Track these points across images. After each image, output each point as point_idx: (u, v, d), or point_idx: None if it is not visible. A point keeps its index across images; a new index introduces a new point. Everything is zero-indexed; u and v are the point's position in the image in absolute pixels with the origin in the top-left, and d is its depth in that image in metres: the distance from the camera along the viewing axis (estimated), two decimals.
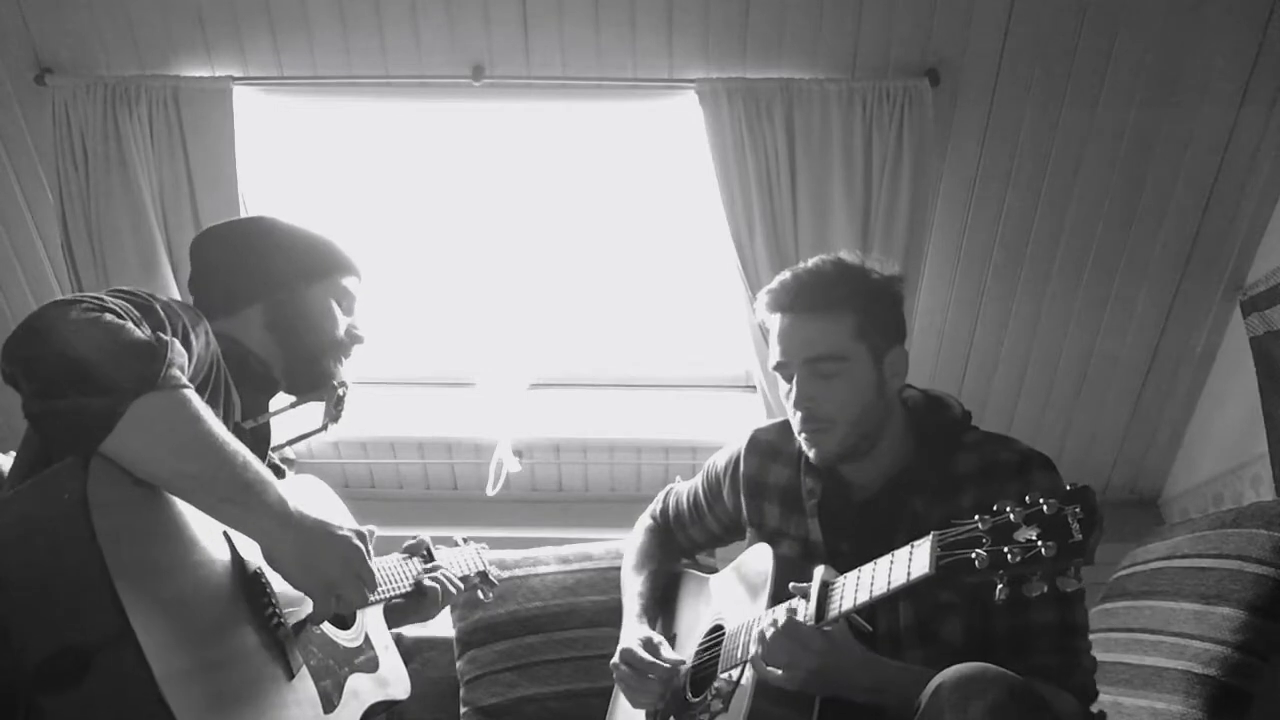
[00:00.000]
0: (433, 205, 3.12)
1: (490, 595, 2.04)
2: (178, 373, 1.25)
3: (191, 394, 1.26)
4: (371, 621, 1.66)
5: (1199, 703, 1.70)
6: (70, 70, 2.74)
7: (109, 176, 2.74)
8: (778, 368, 1.66)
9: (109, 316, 1.23)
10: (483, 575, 2.02)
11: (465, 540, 2.06)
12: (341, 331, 1.70)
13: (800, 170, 2.75)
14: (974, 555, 1.23)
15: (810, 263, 1.68)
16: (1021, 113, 2.74)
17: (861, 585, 1.40)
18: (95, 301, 1.25)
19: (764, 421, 1.89)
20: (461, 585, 1.86)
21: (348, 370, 1.74)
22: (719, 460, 1.92)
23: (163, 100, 2.72)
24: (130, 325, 1.24)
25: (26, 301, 3.04)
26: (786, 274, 1.67)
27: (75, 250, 2.79)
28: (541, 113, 2.92)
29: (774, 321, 1.66)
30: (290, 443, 1.83)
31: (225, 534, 1.33)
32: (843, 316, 1.60)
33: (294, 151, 3.02)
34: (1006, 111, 2.74)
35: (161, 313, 1.32)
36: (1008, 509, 1.24)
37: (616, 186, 3.08)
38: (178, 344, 1.28)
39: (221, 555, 1.31)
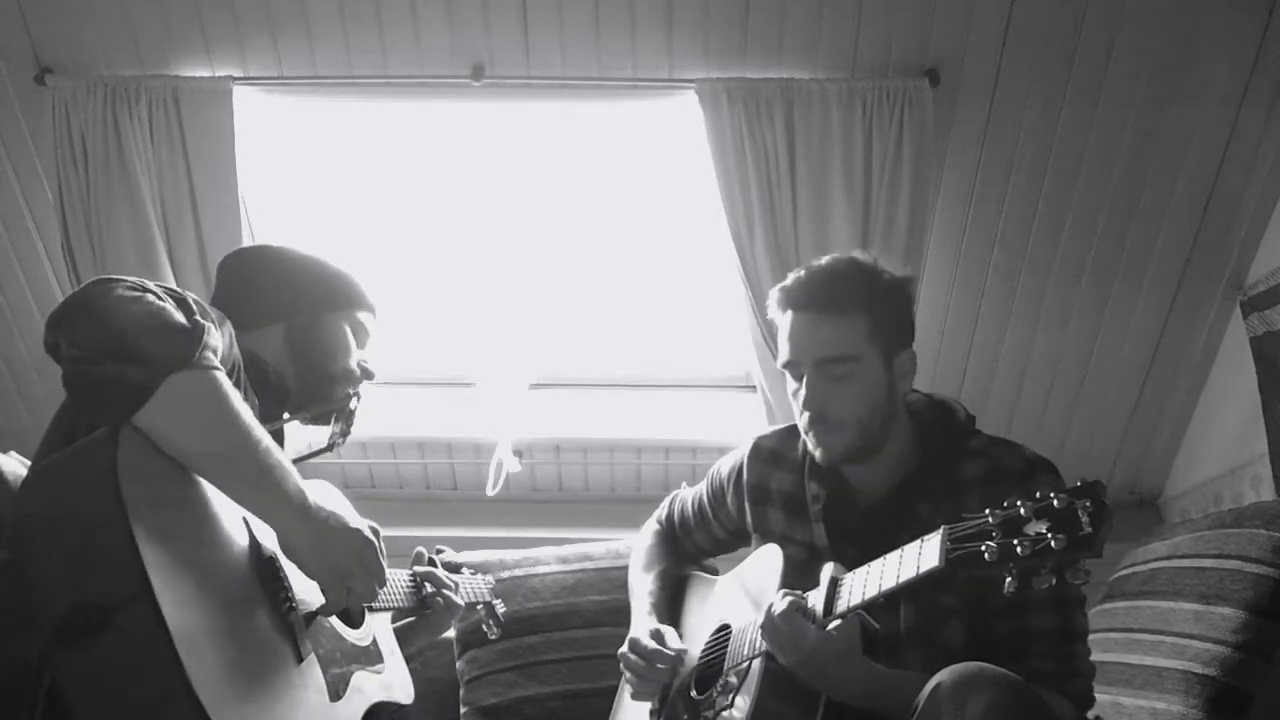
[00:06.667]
0: (433, 205, 3.12)
1: (497, 631, 2.09)
2: (211, 355, 1.29)
3: (222, 376, 1.30)
4: (379, 628, 1.68)
5: (1199, 703, 1.70)
6: (70, 70, 2.74)
7: (109, 176, 2.74)
8: (787, 365, 1.64)
9: (150, 296, 1.27)
10: (489, 607, 2.07)
11: (474, 571, 2.12)
12: (353, 362, 1.75)
13: (800, 170, 2.75)
14: (984, 548, 1.23)
15: (824, 261, 1.66)
16: (1021, 113, 2.74)
17: (870, 580, 1.39)
18: (137, 282, 1.29)
19: (767, 428, 1.88)
20: (462, 602, 1.90)
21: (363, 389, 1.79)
22: (722, 467, 1.91)
23: (163, 100, 2.72)
24: (170, 307, 1.28)
25: (26, 301, 3.04)
26: (801, 271, 1.65)
27: (75, 250, 2.79)
28: (541, 113, 2.92)
29: (785, 319, 1.64)
30: (296, 462, 1.84)
31: (244, 519, 1.35)
32: (856, 317, 1.59)
33: (294, 151, 3.02)
34: (1006, 111, 2.74)
35: (193, 305, 1.36)
36: (1018, 503, 1.23)
37: (616, 186, 3.08)
38: (213, 328, 1.32)
39: (239, 537, 1.33)
